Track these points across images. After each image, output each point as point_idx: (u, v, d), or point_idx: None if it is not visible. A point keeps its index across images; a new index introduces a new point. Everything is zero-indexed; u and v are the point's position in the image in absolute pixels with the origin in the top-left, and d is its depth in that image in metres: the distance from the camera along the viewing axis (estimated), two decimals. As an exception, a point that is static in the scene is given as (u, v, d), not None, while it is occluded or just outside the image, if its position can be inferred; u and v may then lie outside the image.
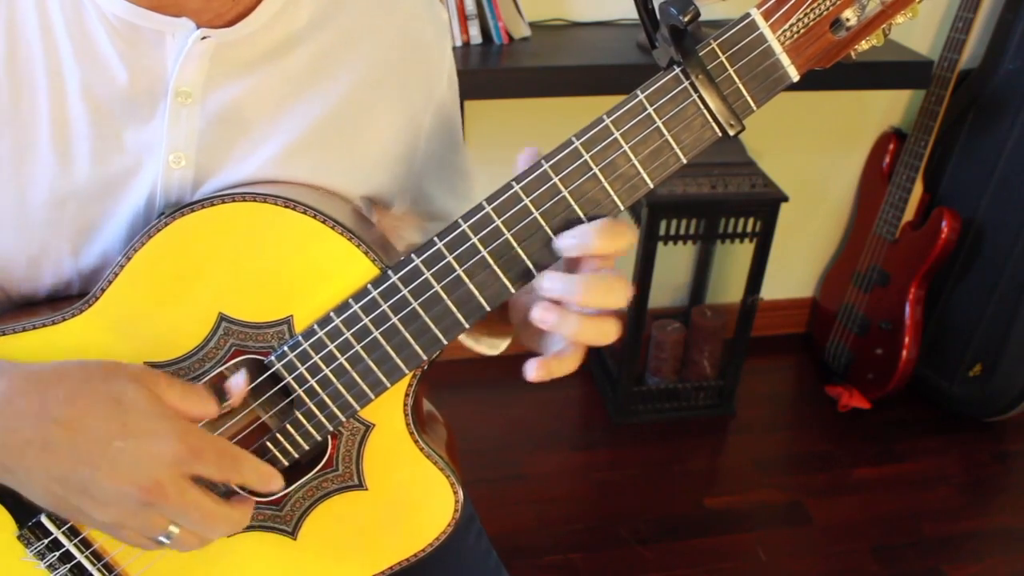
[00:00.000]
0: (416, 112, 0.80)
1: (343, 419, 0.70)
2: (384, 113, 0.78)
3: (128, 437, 0.60)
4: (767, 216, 2.02)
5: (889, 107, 2.32)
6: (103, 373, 0.63)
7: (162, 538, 0.63)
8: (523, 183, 0.62)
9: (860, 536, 1.96)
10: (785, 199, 2.00)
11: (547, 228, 0.63)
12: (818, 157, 2.36)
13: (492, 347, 0.92)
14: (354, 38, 0.75)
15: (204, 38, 0.67)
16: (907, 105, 2.32)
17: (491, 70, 1.77)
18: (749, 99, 0.60)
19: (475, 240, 0.64)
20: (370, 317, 0.66)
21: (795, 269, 2.54)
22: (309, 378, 0.68)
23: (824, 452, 2.20)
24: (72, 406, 0.60)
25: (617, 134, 0.61)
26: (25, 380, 0.61)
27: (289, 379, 0.68)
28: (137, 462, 0.59)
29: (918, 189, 2.19)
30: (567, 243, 0.61)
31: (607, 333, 0.62)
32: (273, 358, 0.68)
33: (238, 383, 0.68)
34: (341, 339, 0.67)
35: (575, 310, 0.61)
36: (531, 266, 0.65)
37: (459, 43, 1.80)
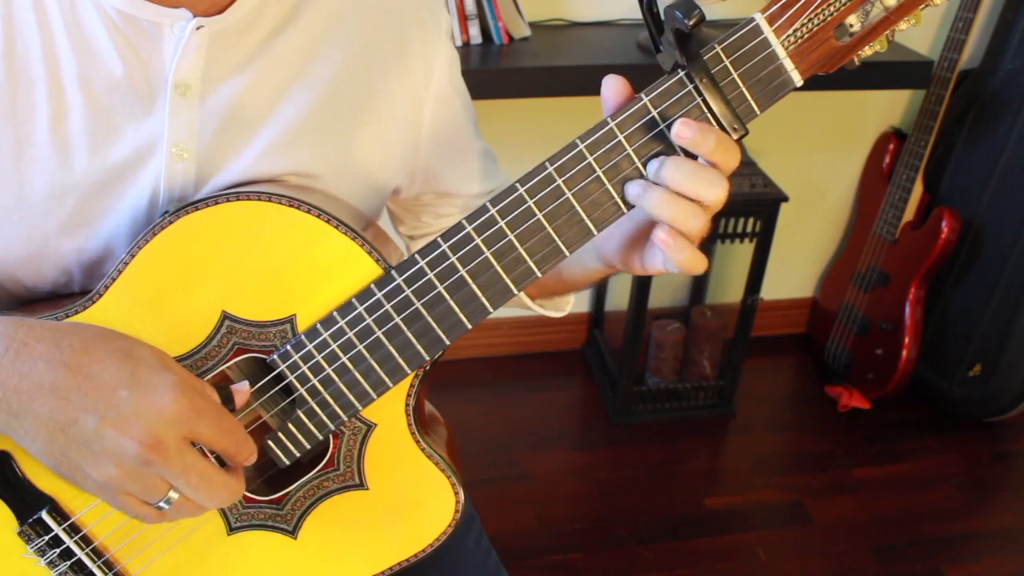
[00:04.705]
0: (415, 92, 0.79)
1: (345, 418, 0.70)
2: (379, 92, 0.77)
3: (134, 387, 0.60)
4: (767, 216, 2.02)
5: (889, 107, 2.32)
6: (118, 332, 0.64)
7: (162, 503, 0.63)
8: (527, 185, 0.63)
9: (860, 536, 1.96)
10: (785, 199, 2.01)
11: (550, 230, 0.64)
12: (818, 157, 2.36)
13: (559, 309, 0.92)
14: (340, 17, 0.75)
15: (200, 28, 0.67)
16: (907, 105, 2.32)
17: (491, 70, 1.77)
18: (753, 103, 0.61)
19: (478, 241, 0.64)
20: (373, 317, 0.66)
21: (795, 269, 2.54)
22: (311, 377, 0.68)
23: (824, 452, 2.20)
24: (85, 353, 0.61)
25: (621, 137, 0.62)
26: (43, 327, 0.62)
27: (291, 378, 0.69)
28: (139, 414, 0.60)
29: (918, 189, 2.19)
30: (682, 129, 0.60)
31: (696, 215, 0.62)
32: (276, 357, 0.68)
33: (242, 387, 0.68)
34: (344, 339, 0.67)
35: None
36: (534, 267, 0.65)
37: (459, 43, 1.80)
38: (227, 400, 0.67)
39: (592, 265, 0.77)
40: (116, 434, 0.59)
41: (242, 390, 0.68)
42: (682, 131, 0.60)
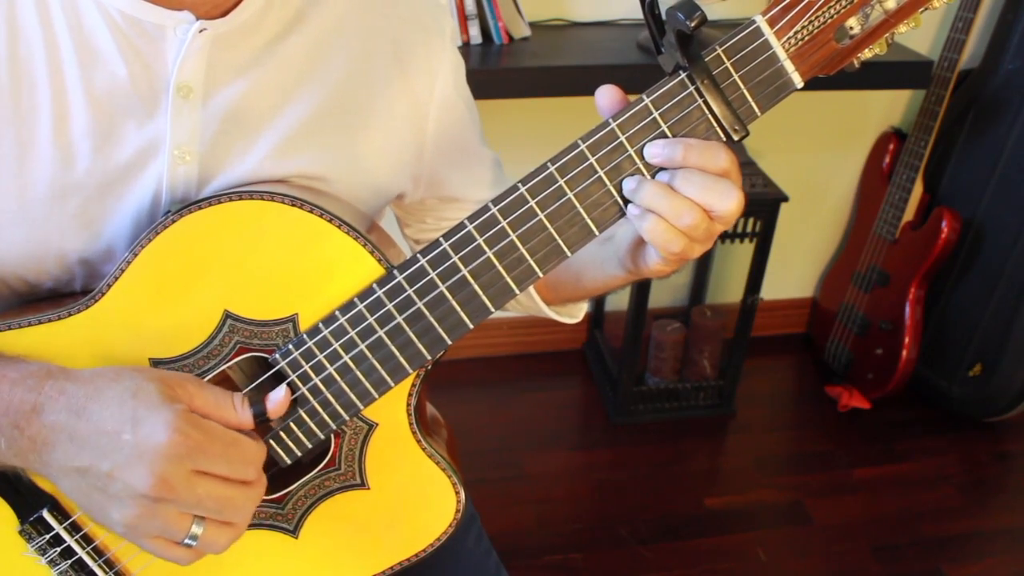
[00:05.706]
0: (418, 98, 0.79)
1: (346, 418, 0.70)
2: (382, 98, 0.77)
3: (135, 429, 0.60)
4: (767, 216, 2.02)
5: (889, 107, 2.32)
6: (131, 372, 0.63)
7: (188, 540, 0.63)
8: (529, 185, 0.63)
9: (860, 536, 1.96)
10: (785, 199, 2.01)
11: (552, 230, 0.64)
12: (818, 157, 2.36)
13: (572, 316, 0.92)
14: (344, 22, 0.75)
15: (203, 31, 0.67)
16: (907, 105, 2.32)
17: (491, 70, 1.77)
18: (754, 105, 0.61)
19: (480, 241, 0.64)
20: (375, 316, 0.67)
21: (795, 269, 2.54)
22: (313, 376, 0.69)
23: (824, 452, 2.20)
24: (94, 400, 0.61)
25: (623, 138, 0.62)
26: (67, 380, 0.63)
27: (293, 377, 0.69)
28: (141, 456, 0.60)
29: (918, 189, 2.19)
30: (653, 151, 0.62)
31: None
32: (277, 356, 0.68)
33: (278, 397, 0.67)
34: (345, 338, 0.67)
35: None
36: (535, 267, 0.65)
37: (459, 43, 1.80)
38: (261, 413, 0.66)
39: (612, 271, 0.77)
40: (125, 477, 0.60)
41: (275, 399, 0.67)
42: (652, 152, 0.62)
